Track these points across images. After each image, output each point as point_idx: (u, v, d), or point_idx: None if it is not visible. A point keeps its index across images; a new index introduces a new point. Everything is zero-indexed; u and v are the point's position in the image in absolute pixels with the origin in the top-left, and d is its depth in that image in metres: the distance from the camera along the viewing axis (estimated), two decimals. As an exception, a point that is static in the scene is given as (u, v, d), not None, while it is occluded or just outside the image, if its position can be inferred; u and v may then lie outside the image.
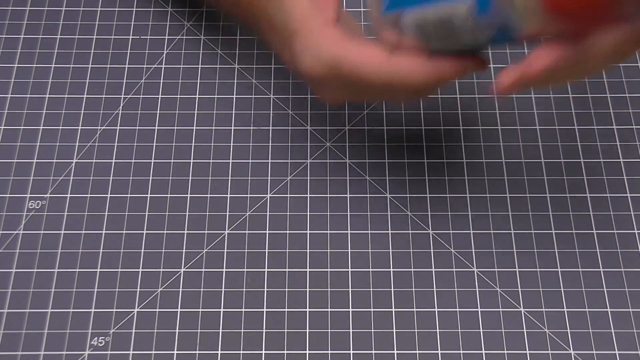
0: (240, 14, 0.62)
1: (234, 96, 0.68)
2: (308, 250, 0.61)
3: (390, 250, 0.61)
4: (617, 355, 0.57)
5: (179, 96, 0.68)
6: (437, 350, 0.57)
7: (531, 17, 0.47)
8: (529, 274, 0.60)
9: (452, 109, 0.67)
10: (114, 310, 0.59)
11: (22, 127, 0.66)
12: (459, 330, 0.58)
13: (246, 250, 0.61)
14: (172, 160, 0.65)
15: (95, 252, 0.61)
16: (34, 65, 0.69)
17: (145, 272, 0.60)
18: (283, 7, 0.57)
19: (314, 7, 0.56)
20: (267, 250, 0.61)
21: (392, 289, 0.59)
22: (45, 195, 0.63)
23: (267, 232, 0.62)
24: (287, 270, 0.60)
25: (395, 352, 0.57)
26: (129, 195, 0.63)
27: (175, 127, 0.66)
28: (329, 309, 0.59)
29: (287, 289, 0.59)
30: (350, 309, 0.59)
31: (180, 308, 0.59)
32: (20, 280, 0.60)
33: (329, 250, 0.61)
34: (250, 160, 0.65)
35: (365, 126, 0.66)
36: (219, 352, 0.57)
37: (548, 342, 0.57)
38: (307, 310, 0.59)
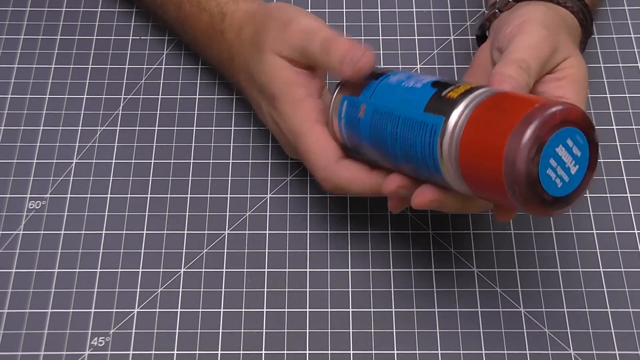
0: (222, 68, 0.65)
1: (234, 96, 0.68)
2: (308, 250, 0.61)
3: (390, 250, 0.61)
4: (617, 355, 0.57)
5: (179, 96, 0.68)
6: (437, 350, 0.57)
7: (455, 181, 0.49)
8: (529, 274, 0.60)
9: (452, 109, 0.67)
10: (114, 310, 0.59)
11: (22, 128, 0.66)
12: (459, 330, 0.58)
13: (246, 251, 0.61)
14: (172, 161, 0.65)
15: (95, 252, 0.61)
16: (34, 66, 0.69)
17: (145, 272, 0.60)
18: (264, 69, 0.58)
19: (295, 77, 0.57)
20: (267, 251, 0.61)
21: (392, 289, 0.59)
22: (46, 196, 0.63)
23: (267, 232, 0.62)
24: (287, 270, 0.60)
25: (395, 352, 0.57)
26: (129, 195, 0.63)
27: (175, 128, 0.66)
28: (329, 309, 0.59)
29: (287, 289, 0.59)
30: (350, 309, 0.59)
31: (180, 308, 0.59)
32: (20, 281, 0.60)
33: (329, 251, 0.61)
34: (250, 161, 0.65)
35: (365, 126, 0.66)
36: (219, 352, 0.57)
37: (548, 342, 0.57)
38: (307, 310, 0.59)
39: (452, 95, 0.49)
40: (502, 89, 0.50)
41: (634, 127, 0.66)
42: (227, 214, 0.62)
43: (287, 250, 0.61)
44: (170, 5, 0.66)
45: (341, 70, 0.54)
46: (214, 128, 0.66)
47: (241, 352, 0.57)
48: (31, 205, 0.63)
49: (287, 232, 0.62)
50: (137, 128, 0.66)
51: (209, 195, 0.63)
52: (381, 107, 0.53)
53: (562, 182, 0.47)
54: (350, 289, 0.59)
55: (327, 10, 0.72)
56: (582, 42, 0.62)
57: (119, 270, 0.60)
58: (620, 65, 0.69)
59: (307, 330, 0.58)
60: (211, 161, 0.65)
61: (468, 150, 0.47)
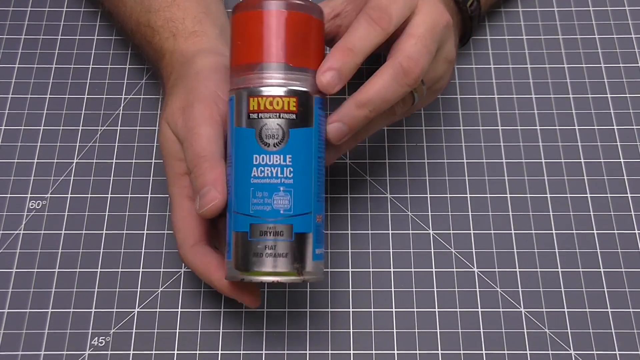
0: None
1: (235, 96, 0.68)
2: (308, 250, 0.61)
3: (391, 250, 0.61)
4: (617, 355, 0.57)
5: (179, 96, 0.68)
6: (438, 350, 0.57)
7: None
8: (529, 274, 0.60)
9: (452, 109, 0.67)
10: (114, 310, 0.59)
11: (22, 128, 0.66)
12: (459, 330, 0.58)
13: (246, 250, 0.61)
14: (172, 161, 0.65)
15: (96, 252, 0.61)
16: (35, 66, 0.69)
17: (145, 272, 0.60)
18: (160, 130, 0.57)
19: (177, 152, 0.56)
20: (267, 250, 0.61)
21: (392, 289, 0.59)
22: (46, 195, 0.63)
23: (268, 232, 0.62)
24: (287, 270, 0.60)
25: (396, 352, 0.57)
26: (129, 195, 0.63)
27: (176, 128, 0.66)
28: (329, 309, 0.59)
29: (287, 289, 0.59)
30: (351, 309, 0.59)
31: (180, 308, 0.59)
32: (20, 280, 0.60)
33: (329, 251, 0.61)
34: (250, 161, 0.65)
35: (365, 126, 0.66)
36: (219, 352, 0.57)
37: (548, 342, 0.57)
38: (307, 310, 0.59)
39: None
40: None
41: (634, 127, 0.66)
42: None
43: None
44: (125, 30, 0.65)
45: (195, 202, 0.54)
46: (214, 128, 0.66)
47: (241, 352, 0.57)
48: (32, 205, 0.63)
49: (288, 232, 0.62)
50: (138, 128, 0.66)
51: (209, 195, 0.63)
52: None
53: None
54: (350, 289, 0.59)
55: (327, 10, 0.72)
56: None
57: (119, 270, 0.60)
58: (621, 65, 0.69)
59: (307, 330, 0.58)
60: (211, 161, 0.65)
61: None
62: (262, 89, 0.51)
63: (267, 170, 0.51)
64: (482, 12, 0.66)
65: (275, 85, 0.51)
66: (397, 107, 0.56)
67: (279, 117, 0.51)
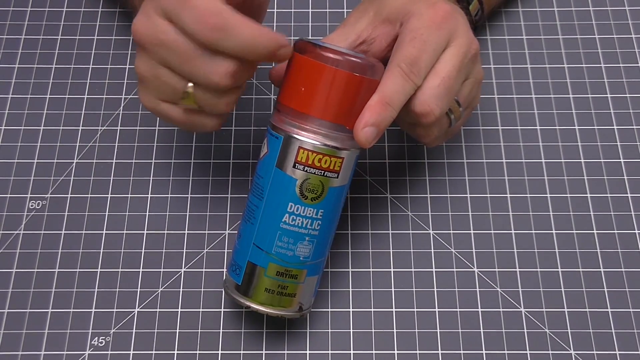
0: None
1: (235, 96, 0.68)
2: (308, 250, 0.61)
3: (391, 250, 0.61)
4: (617, 355, 0.57)
5: (179, 96, 0.68)
6: (438, 350, 0.57)
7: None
8: (529, 274, 0.60)
9: (452, 109, 0.67)
10: (114, 310, 0.59)
11: (22, 128, 0.66)
12: (459, 330, 0.58)
13: (246, 250, 0.61)
14: (172, 161, 0.65)
15: (96, 252, 0.61)
16: (35, 66, 0.69)
17: (145, 272, 0.60)
18: None
19: None
20: (267, 250, 0.61)
21: (393, 289, 0.59)
22: (46, 196, 0.63)
23: (268, 232, 0.62)
24: (287, 270, 0.60)
25: (396, 352, 0.57)
26: (129, 195, 0.63)
27: (176, 128, 0.66)
28: (329, 309, 0.59)
29: (287, 289, 0.59)
30: (351, 309, 0.59)
31: (180, 308, 0.59)
32: (20, 280, 0.60)
33: (329, 250, 0.61)
34: (250, 161, 0.65)
35: (365, 126, 0.66)
36: (219, 352, 0.57)
37: (548, 342, 0.57)
38: (308, 310, 0.59)
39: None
40: None
41: (634, 127, 0.66)
42: (228, 213, 0.62)
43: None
44: None
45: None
46: (214, 128, 0.66)
47: (241, 352, 0.57)
48: (32, 205, 0.63)
49: (288, 232, 0.62)
50: (138, 128, 0.66)
51: (209, 195, 0.63)
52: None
53: (347, 53, 0.52)
54: (350, 289, 0.59)
55: (327, 10, 0.72)
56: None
57: (119, 270, 0.60)
58: (621, 65, 0.69)
59: (307, 330, 0.58)
60: (212, 161, 0.65)
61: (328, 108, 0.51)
62: (314, 143, 0.52)
63: (299, 220, 0.53)
64: (485, 19, 0.66)
65: (327, 144, 0.52)
66: (434, 130, 0.57)
67: (323, 174, 0.52)
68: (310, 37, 0.52)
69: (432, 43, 0.54)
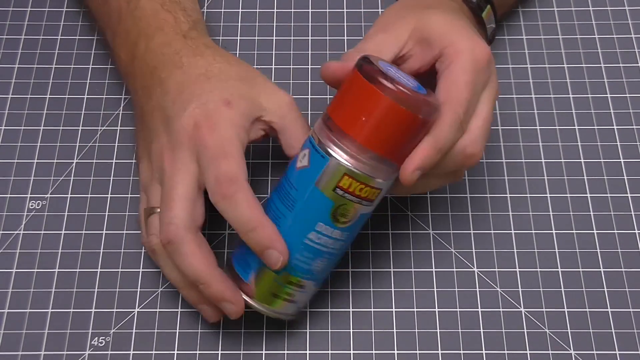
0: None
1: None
2: (308, 250, 0.61)
3: (391, 250, 0.61)
4: (617, 355, 0.57)
5: (179, 96, 0.68)
6: (438, 350, 0.57)
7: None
8: (529, 274, 0.60)
9: (452, 109, 0.67)
10: (114, 310, 0.59)
11: (22, 128, 0.66)
12: (459, 330, 0.58)
13: (246, 250, 0.61)
14: (172, 161, 0.65)
15: (96, 252, 0.61)
16: (35, 66, 0.69)
17: (146, 272, 0.60)
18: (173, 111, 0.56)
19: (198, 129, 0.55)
20: (267, 250, 0.61)
21: (393, 289, 0.59)
22: (46, 196, 0.63)
23: (268, 232, 0.62)
24: (287, 270, 0.60)
25: (396, 352, 0.57)
26: (129, 195, 0.63)
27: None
28: (329, 309, 0.59)
29: (287, 289, 0.59)
30: (351, 309, 0.59)
31: (180, 308, 0.59)
32: (20, 280, 0.60)
33: (329, 250, 0.61)
34: (250, 161, 0.65)
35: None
36: (219, 352, 0.57)
37: (548, 342, 0.57)
38: (307, 310, 0.59)
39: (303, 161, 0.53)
40: None
41: (634, 127, 0.66)
42: (228, 214, 0.62)
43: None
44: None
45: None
46: (214, 128, 0.66)
47: (241, 352, 0.57)
48: (32, 205, 0.63)
49: (288, 232, 0.62)
50: (138, 128, 0.66)
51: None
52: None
53: (413, 86, 0.51)
54: (350, 289, 0.59)
55: (327, 10, 0.72)
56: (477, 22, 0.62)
57: (119, 270, 0.60)
58: (621, 65, 0.69)
59: (307, 330, 0.58)
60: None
61: (382, 145, 0.50)
62: (360, 173, 0.51)
63: (324, 239, 0.53)
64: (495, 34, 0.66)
65: (372, 176, 0.51)
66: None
67: (360, 202, 0.52)
68: (368, 55, 0.51)
69: (480, 87, 0.54)
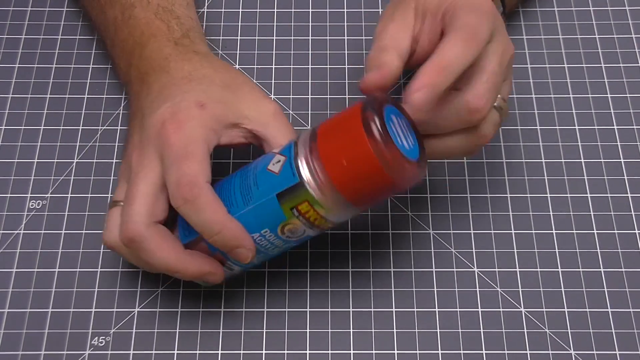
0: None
1: (235, 96, 0.68)
2: (308, 250, 0.61)
3: (391, 250, 0.61)
4: (617, 355, 0.57)
5: (179, 96, 0.68)
6: (438, 350, 0.57)
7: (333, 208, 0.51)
8: (529, 274, 0.60)
9: (452, 109, 0.67)
10: (115, 310, 0.59)
11: (23, 127, 0.66)
12: (459, 330, 0.58)
13: (246, 250, 0.61)
14: (172, 160, 0.65)
15: (96, 252, 0.61)
16: (35, 66, 0.69)
17: (146, 272, 0.60)
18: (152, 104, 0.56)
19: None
20: (267, 250, 0.61)
21: (393, 289, 0.59)
22: (46, 195, 0.63)
23: (268, 232, 0.62)
24: (287, 270, 0.60)
25: (396, 352, 0.57)
26: (129, 195, 0.63)
27: (176, 127, 0.66)
28: (329, 309, 0.59)
29: (287, 289, 0.59)
30: (351, 309, 0.59)
31: (180, 308, 0.59)
32: (20, 280, 0.60)
33: (329, 250, 0.61)
34: (251, 161, 0.65)
35: (365, 126, 0.66)
36: (219, 352, 0.57)
37: (548, 342, 0.57)
38: (307, 310, 0.59)
39: (275, 163, 0.52)
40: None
41: (634, 127, 0.66)
42: (228, 213, 0.62)
43: (288, 250, 0.61)
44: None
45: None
46: (214, 128, 0.66)
47: (241, 352, 0.57)
48: (32, 205, 0.63)
49: (288, 232, 0.62)
50: (138, 128, 0.66)
51: (209, 195, 0.63)
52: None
53: (409, 147, 0.51)
54: (350, 289, 0.59)
55: (327, 10, 0.72)
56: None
57: (120, 270, 0.60)
58: (621, 65, 0.69)
59: (307, 330, 0.58)
60: (212, 161, 0.65)
61: (350, 189, 0.50)
62: (321, 206, 0.51)
63: (264, 242, 0.53)
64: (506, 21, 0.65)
65: (331, 212, 0.51)
66: (487, 128, 0.55)
67: (311, 228, 0.52)
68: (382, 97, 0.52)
69: (483, 34, 0.52)
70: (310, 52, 0.70)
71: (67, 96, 0.68)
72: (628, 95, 0.68)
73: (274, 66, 0.69)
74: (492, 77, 0.53)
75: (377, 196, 0.50)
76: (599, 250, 0.61)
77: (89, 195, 0.63)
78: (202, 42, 0.62)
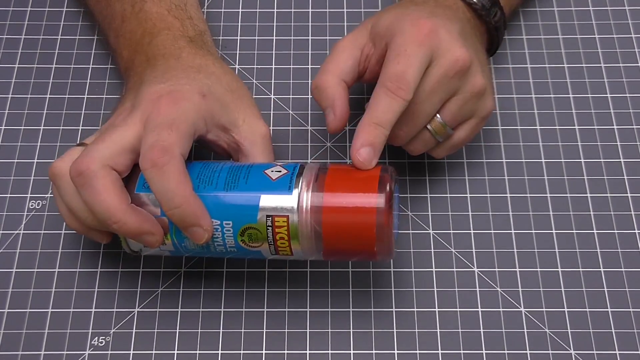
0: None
1: (235, 96, 0.68)
2: (308, 250, 0.61)
3: (391, 250, 0.61)
4: (617, 355, 0.57)
5: (179, 96, 0.68)
6: (438, 350, 0.57)
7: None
8: (529, 274, 0.60)
9: (452, 109, 0.67)
10: (115, 310, 0.59)
11: (22, 128, 0.66)
12: (459, 330, 0.58)
13: (246, 250, 0.61)
14: (172, 161, 0.65)
15: (96, 251, 0.61)
16: (35, 66, 0.69)
17: (146, 272, 0.60)
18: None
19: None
20: (267, 250, 0.61)
21: (393, 289, 0.59)
22: (46, 195, 0.63)
23: (268, 232, 0.62)
24: (287, 270, 0.60)
25: (396, 352, 0.57)
26: (129, 195, 0.63)
27: (176, 127, 0.66)
28: (329, 309, 0.59)
29: (287, 289, 0.59)
30: (351, 309, 0.59)
31: (181, 308, 0.59)
32: (20, 280, 0.60)
33: (329, 250, 0.61)
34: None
35: (365, 126, 0.66)
36: (219, 352, 0.57)
37: (548, 342, 0.57)
38: (307, 310, 0.59)
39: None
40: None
41: (634, 126, 0.66)
42: (228, 213, 0.62)
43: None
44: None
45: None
46: (214, 128, 0.66)
47: (241, 352, 0.57)
48: (32, 205, 0.63)
49: (288, 232, 0.62)
50: (138, 128, 0.66)
51: (209, 195, 0.63)
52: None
53: (396, 226, 0.54)
54: (350, 289, 0.59)
55: (327, 10, 0.72)
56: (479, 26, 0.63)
57: (120, 270, 0.60)
58: (621, 65, 0.69)
59: (307, 330, 0.58)
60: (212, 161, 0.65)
61: (333, 233, 0.51)
62: (294, 234, 0.51)
63: (218, 235, 0.53)
64: (507, 20, 0.65)
65: (300, 244, 0.52)
66: (417, 147, 0.59)
67: (271, 245, 0.52)
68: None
69: (418, 57, 0.54)
70: (310, 52, 0.70)
71: (66, 96, 0.68)
72: (628, 95, 0.68)
73: (273, 66, 0.69)
74: (429, 94, 0.56)
75: (352, 253, 0.52)
76: (599, 250, 0.61)
77: (89, 195, 0.63)
78: (214, 47, 0.63)
